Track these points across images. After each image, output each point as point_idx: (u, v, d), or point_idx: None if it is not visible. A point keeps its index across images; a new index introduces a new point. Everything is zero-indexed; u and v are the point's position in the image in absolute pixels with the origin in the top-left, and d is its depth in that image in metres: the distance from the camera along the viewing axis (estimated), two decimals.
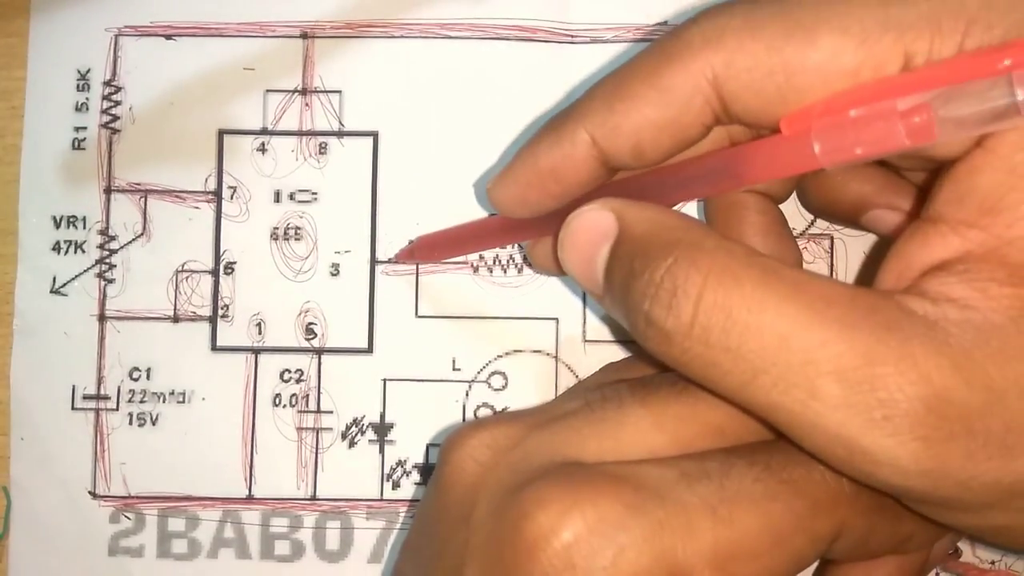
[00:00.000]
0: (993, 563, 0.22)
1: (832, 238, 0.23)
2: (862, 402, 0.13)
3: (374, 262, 0.23)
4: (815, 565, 0.19)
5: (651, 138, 0.16)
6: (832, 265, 0.23)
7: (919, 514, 0.15)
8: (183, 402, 0.23)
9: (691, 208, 0.23)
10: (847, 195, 0.20)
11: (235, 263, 0.23)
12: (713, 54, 0.15)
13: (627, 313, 0.15)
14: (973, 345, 0.13)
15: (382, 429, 0.23)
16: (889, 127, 0.13)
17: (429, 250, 0.22)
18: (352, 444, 0.23)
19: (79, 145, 0.23)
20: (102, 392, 0.23)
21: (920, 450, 0.13)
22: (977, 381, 0.13)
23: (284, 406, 0.23)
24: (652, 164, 0.17)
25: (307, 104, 0.23)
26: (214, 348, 0.23)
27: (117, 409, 0.23)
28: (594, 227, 0.16)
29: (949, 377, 0.13)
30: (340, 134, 0.23)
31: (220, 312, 0.23)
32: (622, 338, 0.23)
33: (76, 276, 0.23)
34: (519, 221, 0.19)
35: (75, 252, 0.23)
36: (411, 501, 0.23)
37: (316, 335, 0.23)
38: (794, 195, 0.21)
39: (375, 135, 0.23)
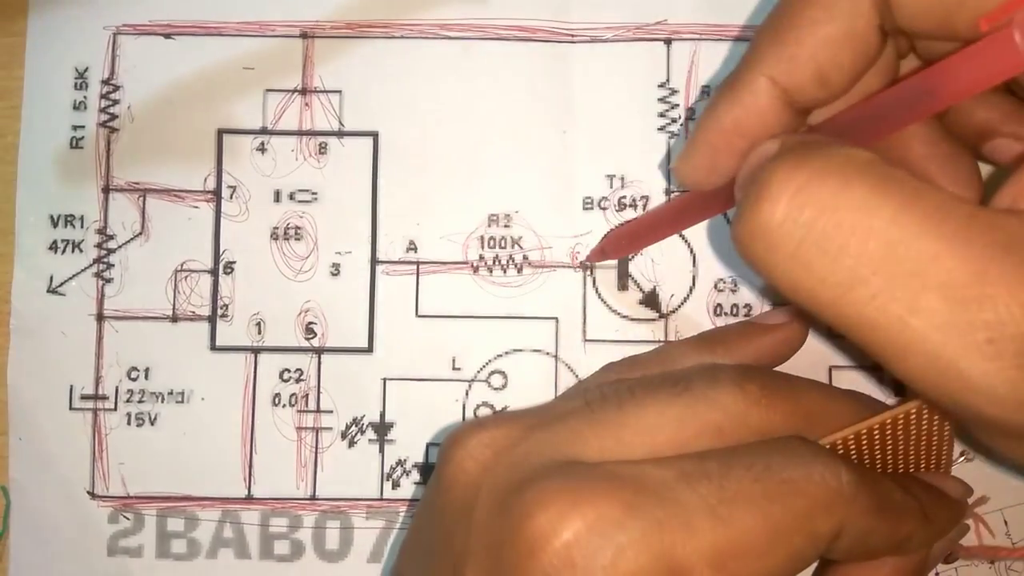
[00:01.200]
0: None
1: None
2: (966, 322, 0.12)
3: (374, 262, 0.23)
4: (815, 565, 0.19)
5: (830, 58, 0.16)
6: None
7: (987, 448, 0.14)
8: (182, 402, 0.23)
9: None
10: (973, 122, 0.18)
11: (235, 263, 0.23)
12: None
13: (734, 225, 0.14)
14: None
15: (382, 428, 0.23)
16: None
17: (620, 245, 0.22)
18: (352, 444, 0.23)
19: (77, 144, 0.23)
20: (100, 392, 0.23)
21: (1020, 379, 0.12)
22: None
23: (284, 406, 0.23)
24: (838, 92, 0.16)
25: (307, 104, 0.23)
26: (213, 348, 0.23)
27: (115, 409, 0.23)
28: (759, 154, 0.16)
29: None
30: (340, 134, 0.23)
31: (219, 312, 0.23)
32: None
33: (74, 275, 0.23)
34: (711, 193, 0.18)
35: (73, 251, 0.23)
36: (411, 500, 0.23)
37: (316, 335, 0.23)
38: None
39: (375, 135, 0.23)
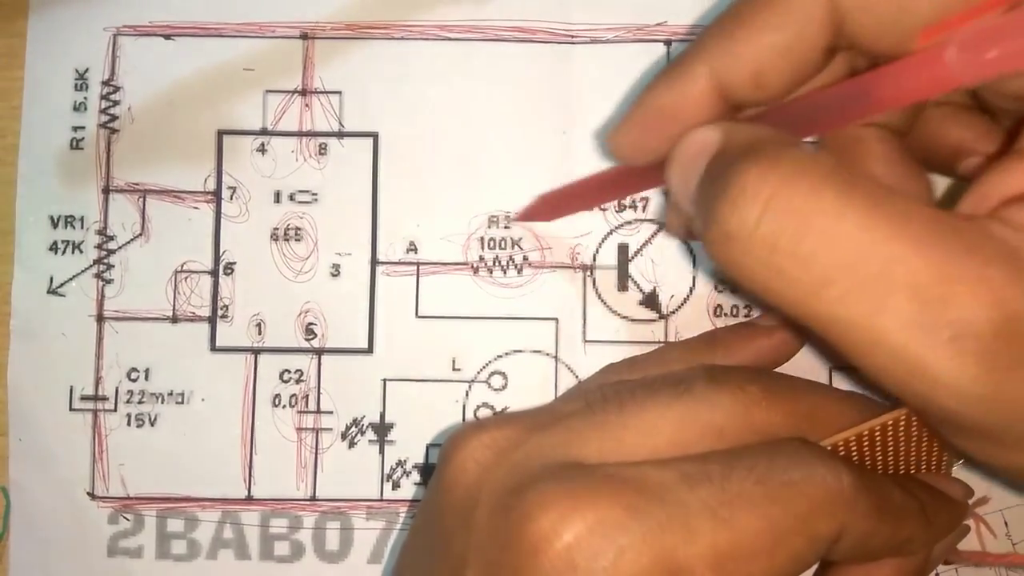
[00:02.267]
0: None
1: None
2: (931, 321, 0.13)
3: (374, 262, 0.23)
4: (815, 566, 0.19)
5: (772, 64, 0.16)
6: None
7: (960, 452, 0.15)
8: (182, 403, 0.23)
9: None
10: (946, 141, 0.19)
11: (235, 263, 0.23)
12: None
13: (700, 219, 0.15)
14: None
15: (382, 429, 0.23)
16: None
17: (548, 207, 0.22)
18: (352, 444, 0.23)
19: (77, 145, 0.23)
20: (100, 393, 0.23)
21: (983, 374, 0.13)
22: None
23: (284, 406, 0.23)
24: (773, 96, 0.17)
25: (307, 105, 0.23)
26: (213, 348, 0.23)
27: (115, 410, 0.23)
28: (700, 142, 0.16)
29: (1023, 304, 0.13)
30: (340, 135, 0.23)
31: (219, 312, 0.23)
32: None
33: (74, 276, 0.23)
34: (638, 170, 0.18)
35: (73, 252, 0.23)
36: (411, 501, 0.23)
37: (316, 335, 0.23)
38: None
39: (375, 136, 0.23)
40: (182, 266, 0.23)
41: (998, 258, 0.13)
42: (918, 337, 0.13)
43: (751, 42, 0.16)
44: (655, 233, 0.23)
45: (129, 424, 0.23)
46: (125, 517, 0.23)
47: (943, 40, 0.14)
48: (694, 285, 0.23)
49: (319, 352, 0.23)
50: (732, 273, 0.14)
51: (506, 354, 0.23)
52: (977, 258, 0.13)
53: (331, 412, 0.23)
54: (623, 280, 0.23)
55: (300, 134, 0.23)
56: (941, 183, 0.22)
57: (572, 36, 0.23)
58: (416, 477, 0.23)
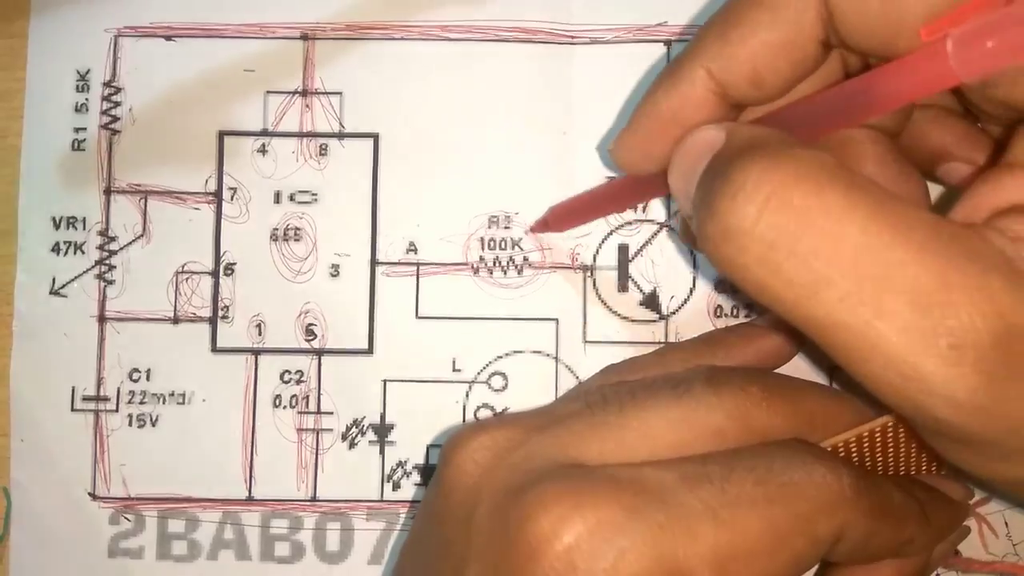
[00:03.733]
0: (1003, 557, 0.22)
1: None
2: (930, 327, 0.13)
3: (374, 263, 0.23)
4: (816, 568, 0.19)
5: (768, 62, 0.16)
6: None
7: (952, 465, 0.15)
8: (183, 403, 0.23)
9: None
10: (927, 144, 0.19)
11: (235, 264, 0.23)
12: None
13: (698, 217, 0.15)
14: None
15: (382, 430, 0.23)
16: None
17: (562, 219, 0.22)
18: (352, 445, 0.23)
19: (79, 146, 0.23)
20: (102, 393, 0.23)
21: (979, 384, 0.13)
22: None
23: (284, 407, 0.23)
24: (772, 95, 0.17)
25: (307, 106, 0.23)
26: (214, 349, 0.23)
27: (117, 410, 0.23)
28: (703, 140, 0.16)
29: (1022, 314, 0.13)
30: (340, 135, 0.23)
31: (220, 313, 0.23)
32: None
33: (76, 277, 0.23)
34: (646, 178, 0.18)
35: (75, 253, 0.23)
36: (411, 502, 0.23)
37: (316, 336, 0.23)
38: None
39: (375, 137, 0.23)
40: (183, 267, 0.23)
41: (998, 267, 0.13)
42: (916, 343, 0.13)
43: (745, 42, 0.16)
44: (655, 234, 0.23)
45: (130, 425, 0.23)
46: (126, 518, 0.23)
47: (943, 36, 0.14)
48: (694, 286, 0.23)
49: (319, 353, 0.23)
50: (728, 271, 0.14)
51: (506, 355, 0.23)
52: (977, 267, 0.13)
53: (331, 413, 0.23)
54: (623, 281, 0.23)
55: (300, 135, 0.23)
56: (934, 189, 0.22)
57: (572, 36, 0.23)
58: (416, 478, 0.23)
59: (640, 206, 0.23)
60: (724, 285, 0.23)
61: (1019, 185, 0.14)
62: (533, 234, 0.23)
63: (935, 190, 0.22)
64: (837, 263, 0.13)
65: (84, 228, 0.23)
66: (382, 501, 0.23)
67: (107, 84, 0.23)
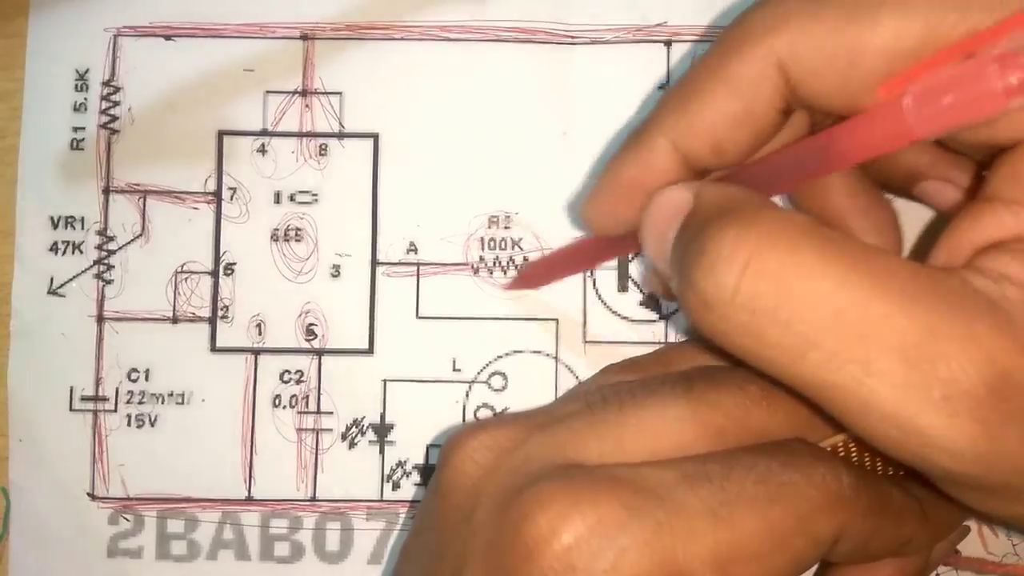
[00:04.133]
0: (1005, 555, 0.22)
1: None
2: (922, 380, 0.12)
3: (375, 263, 0.23)
4: (816, 567, 0.19)
5: (728, 133, 0.16)
6: None
7: (960, 504, 0.15)
8: (182, 403, 0.23)
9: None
10: (901, 166, 0.19)
11: (235, 264, 0.23)
12: (775, 39, 0.15)
13: (676, 283, 0.15)
14: None
15: (382, 430, 0.23)
16: (986, 85, 0.13)
17: (537, 276, 0.22)
18: (352, 445, 0.23)
19: (77, 145, 0.23)
20: (100, 393, 0.23)
21: (978, 433, 0.12)
22: None
23: (284, 407, 0.23)
24: (735, 160, 0.17)
25: (307, 105, 0.23)
26: (214, 349, 0.23)
27: (115, 410, 0.23)
28: (671, 203, 0.16)
29: (1013, 358, 0.12)
30: (340, 135, 0.23)
31: (220, 313, 0.23)
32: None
33: (74, 277, 0.23)
34: (617, 237, 0.19)
35: (73, 253, 0.23)
36: (411, 502, 0.23)
37: (316, 336, 0.23)
38: None
39: (375, 137, 0.23)
40: (182, 267, 0.23)
41: (982, 312, 0.13)
42: (910, 398, 0.13)
43: (705, 114, 0.16)
44: None
45: (129, 425, 0.23)
46: (125, 518, 0.23)
47: (899, 95, 0.14)
48: None
49: (319, 353, 0.23)
50: (712, 338, 0.14)
51: (506, 355, 0.23)
52: (962, 314, 0.13)
53: (331, 413, 0.23)
54: (623, 281, 0.23)
55: (300, 135, 0.23)
56: (912, 207, 0.21)
57: (572, 36, 0.23)
58: (416, 478, 0.23)
59: None
60: None
61: (999, 221, 0.14)
62: (508, 291, 0.23)
63: (914, 209, 0.21)
64: (819, 325, 0.13)
65: (83, 228, 0.23)
66: (382, 501, 0.23)
67: (106, 83, 0.23)
